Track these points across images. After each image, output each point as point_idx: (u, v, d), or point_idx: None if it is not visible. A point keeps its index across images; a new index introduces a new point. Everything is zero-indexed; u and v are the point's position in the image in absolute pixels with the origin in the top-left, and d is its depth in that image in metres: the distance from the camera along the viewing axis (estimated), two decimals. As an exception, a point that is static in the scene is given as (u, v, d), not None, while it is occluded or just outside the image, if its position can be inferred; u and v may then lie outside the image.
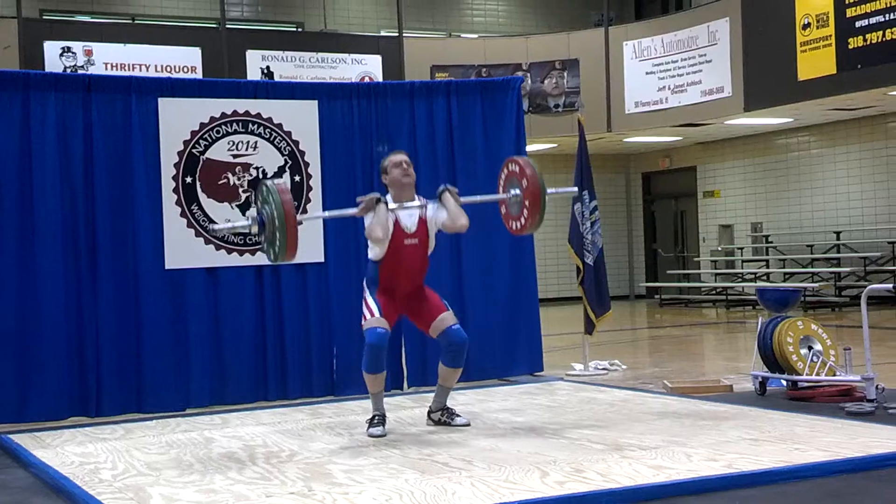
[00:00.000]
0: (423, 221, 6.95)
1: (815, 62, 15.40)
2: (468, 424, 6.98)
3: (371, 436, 6.76)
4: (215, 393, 8.66)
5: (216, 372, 8.69)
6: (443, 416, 7.09)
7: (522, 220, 6.96)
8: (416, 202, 6.97)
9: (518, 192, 6.92)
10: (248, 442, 6.77)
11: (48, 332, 8.15)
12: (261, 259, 8.83)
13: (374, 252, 6.91)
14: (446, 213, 6.94)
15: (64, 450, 6.78)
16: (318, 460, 6.05)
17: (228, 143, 8.83)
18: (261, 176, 8.84)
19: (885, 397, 7.17)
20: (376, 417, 6.89)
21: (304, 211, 8.98)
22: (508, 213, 7.15)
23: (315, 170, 9.09)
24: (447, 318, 6.95)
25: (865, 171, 18.40)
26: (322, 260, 9.06)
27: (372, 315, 6.80)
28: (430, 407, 7.22)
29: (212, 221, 8.67)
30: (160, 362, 8.46)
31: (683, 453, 5.74)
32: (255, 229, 6.61)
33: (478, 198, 7.43)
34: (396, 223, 6.87)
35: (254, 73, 17.32)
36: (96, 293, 8.36)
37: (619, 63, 18.76)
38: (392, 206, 6.88)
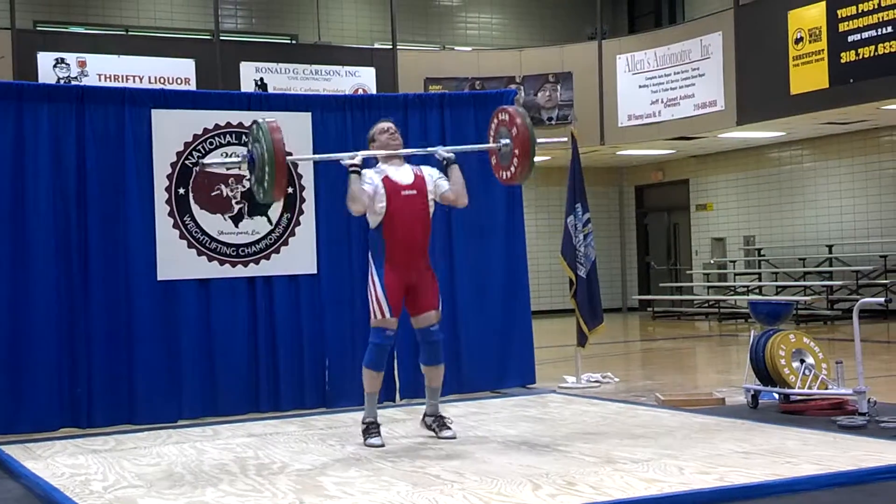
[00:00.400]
0: (419, 177, 6.98)
1: (808, 76, 15.44)
2: (454, 437, 6.97)
3: (370, 446, 6.75)
4: (207, 404, 8.64)
5: (208, 383, 8.68)
6: (433, 424, 7.10)
7: (512, 170, 7.06)
8: (407, 164, 7.03)
9: (508, 141, 6.98)
10: (240, 454, 6.76)
11: (40, 342, 8.13)
12: (253, 271, 8.86)
13: (374, 216, 6.88)
14: (449, 186, 6.99)
15: (55, 461, 6.76)
16: (310, 472, 6.04)
17: (222, 155, 8.81)
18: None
19: (877, 411, 7.17)
20: (372, 426, 6.88)
21: (298, 223, 8.99)
22: (498, 163, 7.20)
23: (308, 181, 9.09)
24: (431, 317, 7.01)
25: (858, 185, 18.43)
26: (315, 271, 9.05)
27: (383, 314, 6.81)
28: (424, 411, 7.22)
29: (204, 233, 8.69)
30: (152, 373, 8.44)
31: (675, 466, 5.73)
32: (245, 166, 6.71)
33: (467, 147, 7.48)
34: (388, 179, 6.88)
35: (247, 85, 17.32)
36: (88, 304, 8.34)
37: (613, 76, 18.79)
38: (379, 168, 6.94)
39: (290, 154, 6.96)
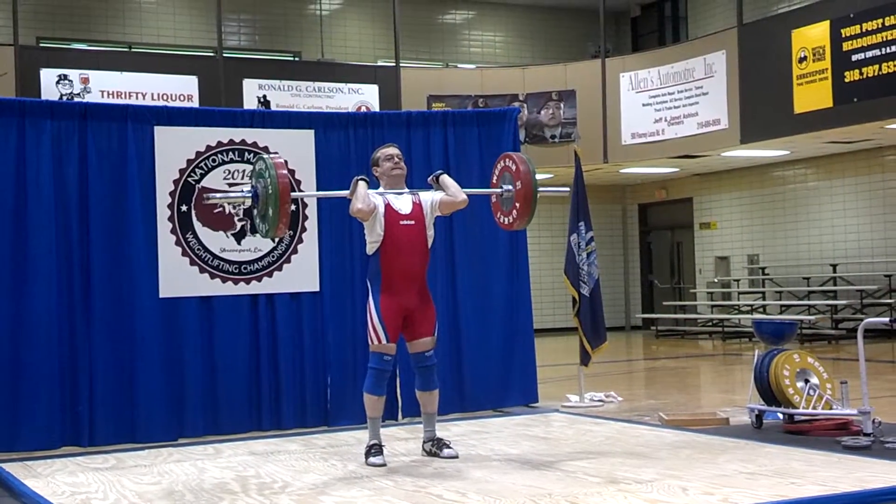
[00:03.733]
0: (416, 205, 6.97)
1: (812, 95, 15.42)
2: (456, 457, 6.93)
3: (371, 465, 6.72)
4: (208, 422, 8.61)
5: (209, 401, 8.64)
6: (433, 448, 7.06)
7: (513, 217, 7.14)
8: (407, 191, 7.02)
9: (510, 187, 7.01)
10: (241, 472, 6.72)
11: (41, 360, 8.10)
12: (256, 288, 8.83)
13: (371, 241, 6.88)
14: (445, 192, 6.99)
15: (55, 479, 6.73)
16: (312, 492, 6.01)
17: (224, 172, 8.81)
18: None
19: (882, 431, 7.14)
20: (374, 447, 6.85)
21: (300, 241, 8.97)
22: (499, 208, 7.23)
23: (311, 199, 9.06)
24: (426, 344, 6.99)
25: (862, 204, 18.41)
26: (317, 289, 9.03)
27: (380, 341, 6.80)
28: (423, 437, 7.19)
29: (207, 250, 8.67)
30: (153, 391, 8.40)
31: (679, 487, 5.70)
32: (248, 202, 6.73)
33: (471, 191, 7.49)
34: (389, 207, 6.88)
35: (250, 102, 17.32)
36: (90, 321, 8.32)
37: (616, 94, 18.79)
38: (381, 190, 6.94)
39: (295, 189, 6.98)
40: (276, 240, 8.89)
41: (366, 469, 6.67)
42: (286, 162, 6.66)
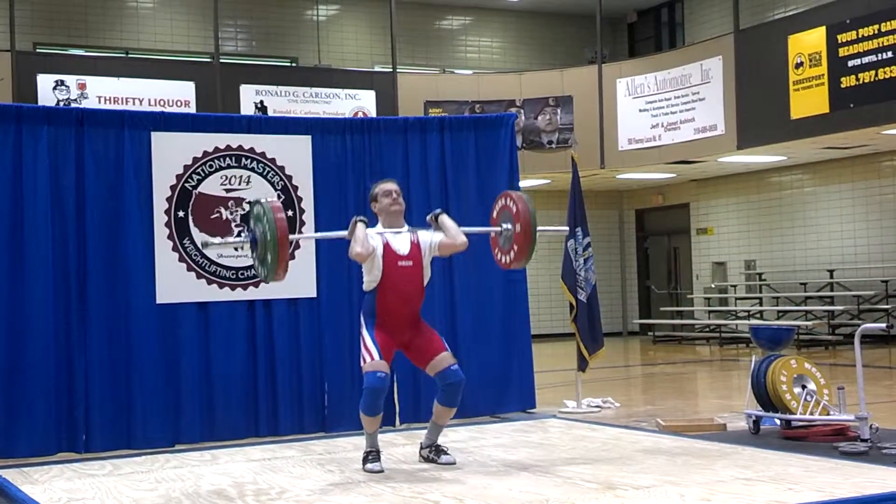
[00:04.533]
0: (415, 245, 6.92)
1: (808, 101, 15.44)
2: (454, 463, 6.89)
3: (368, 472, 6.70)
4: (205, 428, 8.60)
5: (206, 407, 8.64)
6: (430, 454, 7.02)
7: (511, 255, 7.04)
8: (405, 228, 6.96)
9: (509, 226, 6.95)
10: (238, 479, 6.71)
11: (37, 366, 8.09)
12: (253, 294, 8.83)
13: (369, 280, 6.85)
14: (444, 234, 6.93)
15: (52, 485, 6.71)
16: (309, 498, 6.00)
17: (221, 178, 8.81)
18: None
19: (880, 437, 7.14)
20: (371, 454, 6.83)
21: (297, 247, 8.96)
22: (498, 246, 7.17)
23: (308, 204, 9.07)
24: (446, 359, 6.88)
25: (859, 210, 18.42)
26: (314, 295, 9.03)
27: (372, 358, 6.69)
28: (421, 442, 7.17)
29: (204, 256, 8.66)
30: (150, 397, 8.40)
31: (677, 493, 5.69)
32: (247, 247, 6.67)
33: (469, 229, 7.44)
34: (388, 246, 6.83)
35: (247, 108, 17.33)
36: (86, 327, 8.31)
37: (613, 100, 18.80)
38: (379, 229, 6.88)
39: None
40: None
41: (363, 475, 6.66)
42: (281, 205, 6.61)
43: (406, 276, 6.83)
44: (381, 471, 6.70)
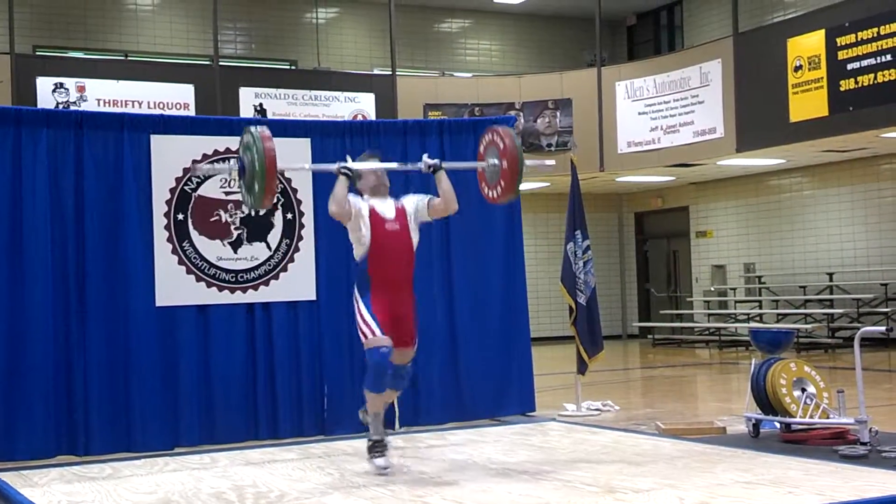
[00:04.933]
0: (399, 210, 6.95)
1: (807, 104, 15.45)
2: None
3: (375, 466, 6.68)
4: (205, 431, 8.59)
5: (206, 410, 8.63)
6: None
7: (498, 190, 7.13)
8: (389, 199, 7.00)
9: (496, 161, 7.02)
10: (238, 482, 6.70)
11: (37, 368, 8.09)
12: (252, 297, 8.82)
13: (359, 248, 6.84)
14: (439, 194, 6.98)
15: (51, 489, 6.71)
16: (308, 501, 6.00)
17: (221, 180, 8.80)
18: (252, 213, 8.83)
19: (879, 440, 7.14)
20: (378, 445, 6.79)
21: (297, 249, 8.97)
22: (485, 181, 7.23)
23: (307, 207, 9.07)
24: (407, 354, 6.92)
25: (858, 213, 18.43)
26: (314, 298, 9.02)
27: (373, 333, 6.67)
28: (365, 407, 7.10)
29: (203, 259, 8.66)
30: (149, 400, 8.40)
31: (676, 496, 5.69)
32: (235, 174, 6.73)
33: (457, 164, 7.50)
34: (374, 211, 6.84)
35: (247, 111, 17.32)
36: (86, 330, 8.31)
37: (612, 103, 18.80)
38: (364, 198, 6.91)
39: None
40: (273, 248, 8.89)
41: (363, 478, 6.65)
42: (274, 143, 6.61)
43: (394, 239, 6.85)
44: (387, 467, 6.68)
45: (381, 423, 6.90)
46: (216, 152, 8.80)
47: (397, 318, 6.85)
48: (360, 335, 6.77)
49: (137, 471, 7.33)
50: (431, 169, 7.02)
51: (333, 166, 6.90)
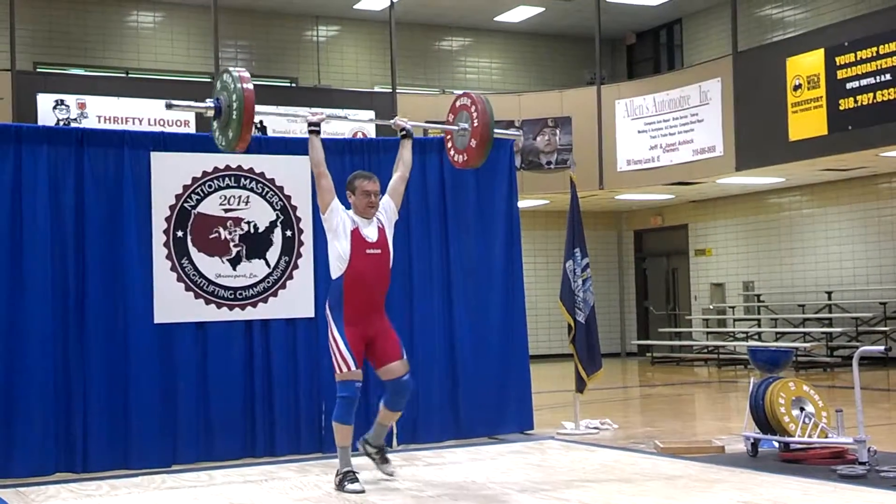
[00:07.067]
0: (381, 231, 7.02)
1: (807, 123, 15.47)
2: (393, 475, 7.08)
3: (351, 492, 6.69)
4: (202, 449, 8.58)
5: (204, 427, 8.62)
6: (376, 455, 7.15)
7: (466, 156, 7.27)
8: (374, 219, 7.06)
9: (466, 126, 7.08)
10: (234, 500, 6.70)
11: (35, 385, 8.08)
12: (251, 314, 8.82)
13: (337, 264, 6.89)
14: (400, 165, 7.23)
15: (48, 506, 6.70)
16: (306, 519, 5.98)
17: (220, 198, 8.81)
18: (252, 231, 8.84)
19: (878, 460, 7.13)
20: (349, 474, 6.83)
21: (296, 267, 8.98)
22: (454, 146, 7.31)
23: (307, 224, 9.08)
24: (400, 368, 6.98)
25: (857, 232, 18.44)
26: (312, 315, 9.02)
27: (348, 367, 6.77)
28: (366, 437, 7.21)
29: (202, 276, 8.66)
30: (148, 417, 8.38)
31: (675, 516, 5.68)
32: (211, 113, 6.73)
33: (427, 125, 7.63)
34: (358, 232, 6.91)
35: (247, 128, 17.30)
36: (84, 347, 8.30)
37: (612, 121, 18.83)
38: (352, 214, 7.01)
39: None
40: (272, 265, 8.89)
41: (361, 497, 6.64)
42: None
43: (373, 265, 6.92)
44: (363, 490, 6.70)
45: (348, 455, 6.91)
46: (216, 169, 8.82)
47: (372, 338, 6.93)
48: (334, 365, 6.85)
49: (135, 488, 7.33)
50: (403, 133, 7.15)
51: (308, 117, 7.02)
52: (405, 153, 7.28)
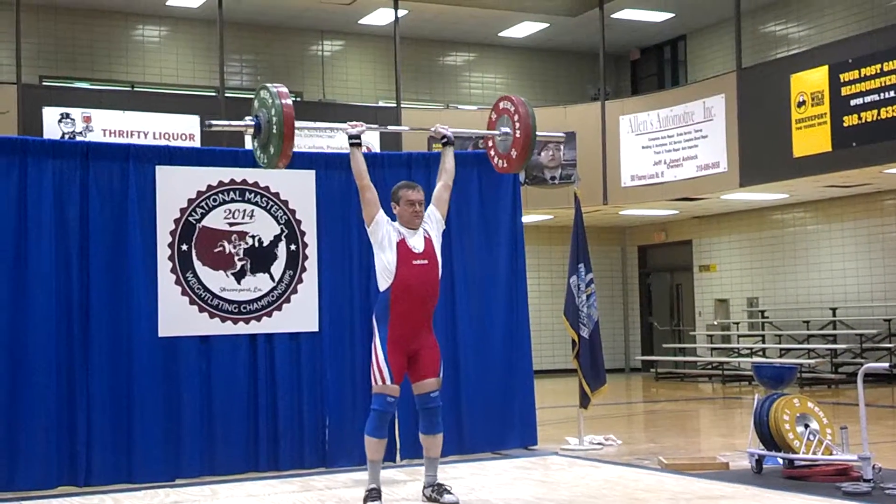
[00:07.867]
0: (428, 241, 6.92)
1: (811, 139, 15.48)
2: (457, 502, 6.80)
3: None
4: (206, 463, 8.57)
5: (207, 442, 8.61)
6: (433, 493, 6.92)
7: (506, 162, 7.26)
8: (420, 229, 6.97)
9: (508, 130, 7.04)
10: (238, 514, 6.69)
11: (39, 398, 8.08)
12: (255, 328, 8.82)
13: (384, 277, 6.79)
14: (444, 175, 7.17)
15: (51, 520, 6.69)
16: (309, 534, 5.98)
17: (225, 212, 8.82)
18: (256, 245, 8.85)
19: (882, 477, 7.11)
20: (373, 491, 6.73)
21: (300, 281, 8.97)
22: (496, 150, 7.26)
23: (311, 239, 9.08)
24: (431, 384, 6.88)
25: (861, 248, 18.43)
26: (316, 329, 9.02)
27: (384, 381, 6.67)
28: (424, 481, 7.10)
29: (206, 290, 8.67)
30: (151, 431, 8.37)
31: (679, 532, 5.67)
32: (251, 131, 6.66)
33: (468, 131, 7.58)
34: (404, 243, 6.82)
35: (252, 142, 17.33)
36: (88, 360, 8.30)
37: (616, 137, 18.85)
38: (397, 225, 6.91)
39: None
40: (276, 279, 8.89)
41: (363, 512, 6.63)
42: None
43: (421, 275, 6.80)
44: None
45: (378, 472, 6.81)
46: (221, 183, 8.83)
47: (414, 353, 6.83)
48: (372, 376, 6.77)
49: (138, 502, 7.32)
50: (444, 140, 7.06)
51: (347, 129, 7.05)
52: (447, 161, 7.17)
